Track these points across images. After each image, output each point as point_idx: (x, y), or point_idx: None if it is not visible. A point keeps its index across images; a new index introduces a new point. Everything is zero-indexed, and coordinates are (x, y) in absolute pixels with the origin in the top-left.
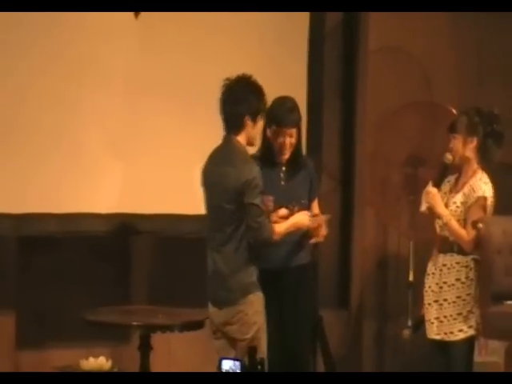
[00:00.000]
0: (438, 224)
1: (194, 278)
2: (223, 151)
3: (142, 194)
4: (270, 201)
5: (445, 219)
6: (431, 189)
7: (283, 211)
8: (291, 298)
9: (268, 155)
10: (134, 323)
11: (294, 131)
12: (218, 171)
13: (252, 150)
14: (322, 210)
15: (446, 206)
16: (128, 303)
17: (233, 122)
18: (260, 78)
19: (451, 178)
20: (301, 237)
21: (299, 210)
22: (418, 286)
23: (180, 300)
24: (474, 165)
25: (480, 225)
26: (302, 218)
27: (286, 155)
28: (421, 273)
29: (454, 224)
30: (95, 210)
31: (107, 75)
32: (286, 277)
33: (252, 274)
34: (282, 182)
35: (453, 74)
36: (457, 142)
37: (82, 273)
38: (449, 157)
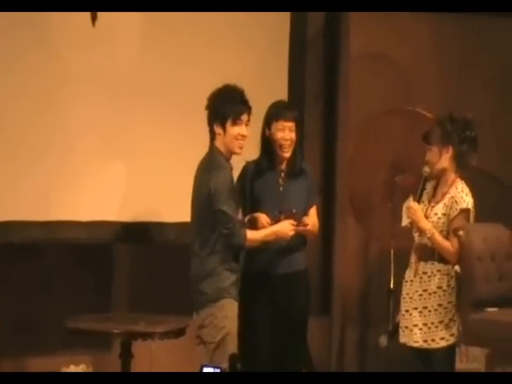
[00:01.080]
0: (415, 232)
1: (176, 285)
2: (204, 158)
3: (125, 201)
4: (263, 218)
5: (428, 233)
6: (412, 204)
7: (264, 218)
8: (282, 307)
9: (267, 159)
10: (115, 331)
11: (293, 126)
12: (196, 178)
13: (253, 156)
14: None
15: (427, 216)
16: (110, 311)
17: (210, 130)
18: (240, 84)
19: (428, 187)
20: (294, 242)
21: (286, 219)
22: (398, 294)
23: (163, 307)
24: (452, 174)
25: (461, 232)
26: (283, 228)
27: (287, 153)
28: (401, 280)
29: (438, 237)
30: (78, 218)
31: (97, 80)
32: (277, 283)
33: (225, 280)
34: (281, 188)
35: (435, 80)
36: (432, 155)
37: (64, 281)
38: (426, 169)
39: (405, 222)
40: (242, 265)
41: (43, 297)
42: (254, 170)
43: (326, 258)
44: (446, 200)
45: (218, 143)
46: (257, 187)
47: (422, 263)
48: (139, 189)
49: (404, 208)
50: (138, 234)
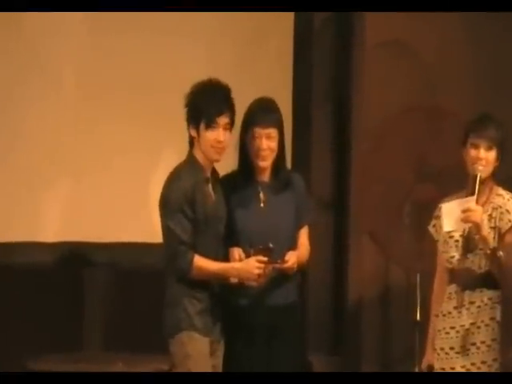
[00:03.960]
0: (448, 254)
1: (157, 317)
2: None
3: (94, 218)
4: (236, 252)
5: (492, 244)
6: (475, 207)
7: (238, 252)
8: (264, 348)
9: (244, 170)
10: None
11: (272, 132)
12: None
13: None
14: (311, 239)
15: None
16: (80, 348)
17: (188, 135)
18: (236, 81)
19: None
20: (280, 273)
21: (256, 255)
22: (426, 327)
23: (142, 344)
24: (490, 180)
25: (500, 253)
26: (247, 267)
27: (264, 162)
28: (429, 310)
29: None
30: (40, 239)
31: (57, 78)
32: (259, 318)
33: (187, 309)
34: (262, 204)
35: (463, 73)
36: (490, 155)
37: (24, 311)
38: (480, 168)
39: (450, 226)
40: (221, 295)
41: (1, 332)
42: (229, 184)
43: (338, 285)
44: (490, 210)
45: (196, 150)
46: (232, 204)
47: (467, 292)
48: (112, 203)
49: (444, 209)
50: (112, 256)
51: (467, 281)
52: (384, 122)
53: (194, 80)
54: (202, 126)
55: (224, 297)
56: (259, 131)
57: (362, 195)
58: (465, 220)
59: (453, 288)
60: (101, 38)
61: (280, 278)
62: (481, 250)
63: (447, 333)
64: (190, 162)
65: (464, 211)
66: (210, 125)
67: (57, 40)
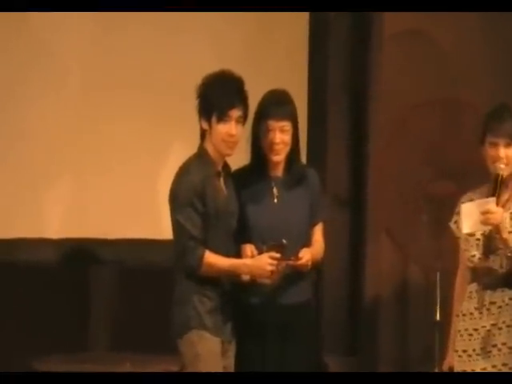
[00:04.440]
0: (469, 252)
1: (165, 315)
2: (186, 160)
3: (100, 215)
4: (249, 248)
5: None
6: (495, 208)
7: (250, 249)
8: (278, 348)
9: (257, 165)
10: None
11: (286, 125)
12: None
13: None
14: (326, 236)
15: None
16: (86, 349)
17: (200, 126)
18: (248, 73)
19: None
20: (294, 271)
21: (269, 251)
22: (446, 327)
23: (150, 344)
24: None
25: None
26: (259, 263)
27: (278, 156)
28: (449, 310)
29: None
30: (45, 235)
31: (59, 75)
32: (271, 318)
33: (197, 307)
34: (275, 200)
35: (486, 65)
36: (510, 152)
37: (29, 310)
38: (502, 166)
39: (469, 228)
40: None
41: (5, 332)
42: (240, 179)
43: (354, 283)
44: None
45: (207, 143)
46: (244, 199)
47: (488, 292)
48: (119, 200)
49: (463, 209)
50: (119, 253)
51: (488, 280)
52: (402, 115)
53: (202, 73)
54: (214, 118)
55: (235, 295)
56: (272, 124)
57: (378, 191)
58: (484, 222)
59: (473, 287)
60: (103, 36)
61: (294, 276)
62: (501, 249)
63: (470, 334)
64: (201, 155)
65: (483, 213)
66: (222, 118)
67: (59, 38)
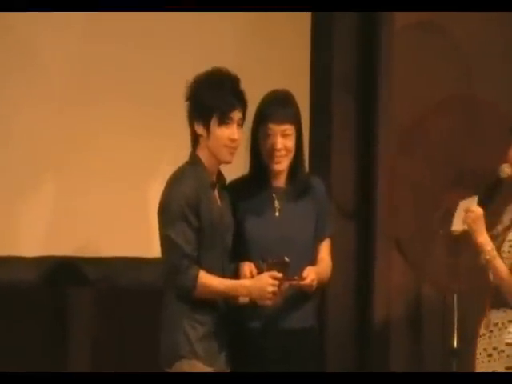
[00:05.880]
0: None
1: (154, 341)
2: (176, 170)
3: (84, 231)
4: (248, 267)
5: (487, 255)
6: (475, 207)
7: (249, 267)
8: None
9: (256, 174)
10: None
11: (289, 129)
12: None
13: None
14: (333, 251)
15: (498, 248)
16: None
17: (191, 131)
18: (247, 72)
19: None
20: (297, 292)
21: (269, 270)
22: (465, 355)
23: (137, 370)
24: None
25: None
26: (260, 283)
27: (280, 164)
28: (470, 336)
29: (501, 265)
30: (21, 253)
31: (40, 75)
32: (272, 344)
33: (188, 333)
34: (276, 213)
35: (503, 59)
36: None
37: (5, 333)
38: (507, 169)
39: (457, 225)
40: (227, 317)
41: None
42: (238, 191)
43: (362, 306)
44: None
45: (201, 150)
46: (243, 213)
47: (493, 311)
48: (104, 214)
49: (459, 207)
50: (104, 272)
51: (494, 298)
52: (414, 117)
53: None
54: (214, 122)
55: (231, 319)
56: (273, 128)
57: (389, 202)
58: (463, 220)
59: (487, 307)
60: (94, 40)
61: (297, 298)
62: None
63: (476, 358)
64: (193, 163)
65: (465, 211)
66: (224, 121)
67: (47, 41)
